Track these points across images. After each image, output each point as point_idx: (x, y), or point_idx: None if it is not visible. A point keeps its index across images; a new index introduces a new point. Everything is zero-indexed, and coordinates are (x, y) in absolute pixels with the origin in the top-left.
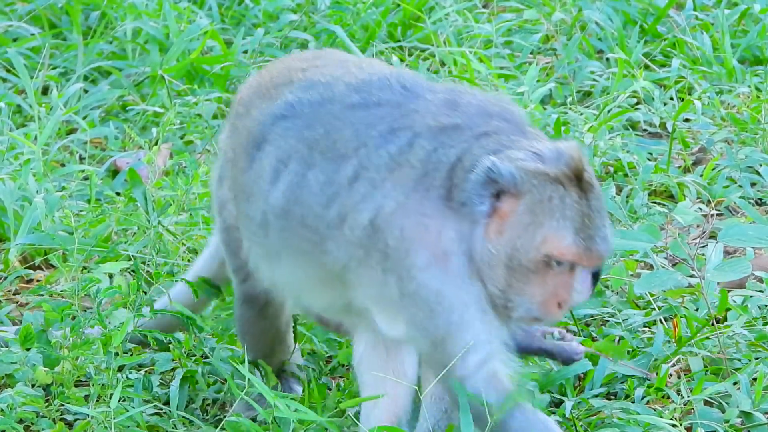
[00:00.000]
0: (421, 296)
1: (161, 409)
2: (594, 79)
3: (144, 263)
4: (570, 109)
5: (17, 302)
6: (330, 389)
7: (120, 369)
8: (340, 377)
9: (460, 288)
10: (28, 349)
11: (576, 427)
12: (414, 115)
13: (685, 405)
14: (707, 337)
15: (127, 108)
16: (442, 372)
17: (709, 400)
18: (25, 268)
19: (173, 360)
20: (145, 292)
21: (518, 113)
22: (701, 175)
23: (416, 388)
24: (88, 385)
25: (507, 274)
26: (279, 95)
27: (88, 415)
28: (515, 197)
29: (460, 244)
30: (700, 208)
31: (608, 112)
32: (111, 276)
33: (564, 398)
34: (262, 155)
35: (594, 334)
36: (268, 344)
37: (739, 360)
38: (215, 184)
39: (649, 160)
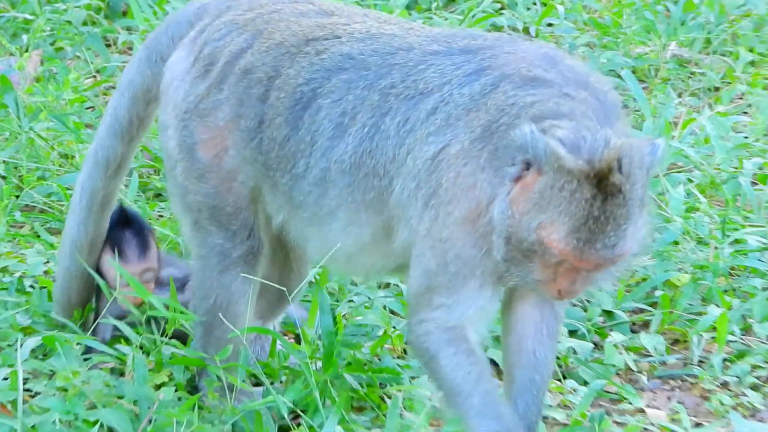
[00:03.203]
0: (442, 245)
1: None
2: None
3: (15, 168)
4: (435, 14)
5: None
6: None
7: None
8: None
9: (474, 248)
10: None
11: None
12: (508, 57)
13: None
14: None
15: None
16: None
17: None
18: None
19: (47, 263)
20: (17, 196)
21: (612, 97)
22: None
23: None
24: None
25: (509, 244)
26: (323, 50)
27: None
28: (537, 173)
29: (490, 202)
30: None
31: (473, 17)
32: None
33: None
34: (312, 113)
35: None
36: None
37: None
38: (194, 154)
39: None
